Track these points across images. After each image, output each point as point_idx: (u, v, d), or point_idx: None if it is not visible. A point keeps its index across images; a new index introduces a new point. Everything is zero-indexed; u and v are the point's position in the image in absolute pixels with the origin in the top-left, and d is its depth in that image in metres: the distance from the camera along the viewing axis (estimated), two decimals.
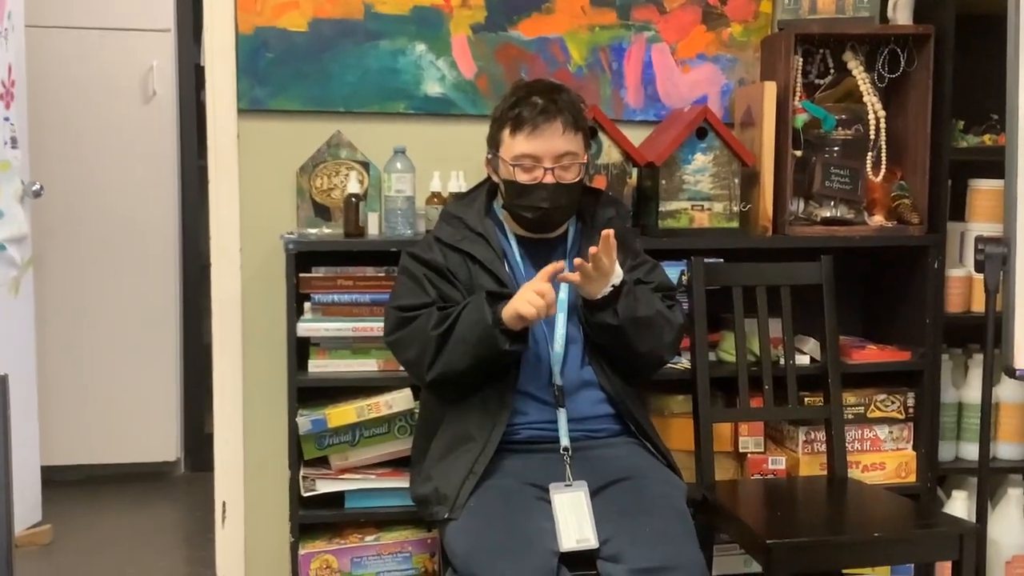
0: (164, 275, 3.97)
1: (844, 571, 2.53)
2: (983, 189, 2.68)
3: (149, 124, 3.92)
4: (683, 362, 2.48)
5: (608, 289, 2.02)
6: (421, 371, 2.06)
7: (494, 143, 2.12)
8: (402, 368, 2.36)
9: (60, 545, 3.30)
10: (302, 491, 2.35)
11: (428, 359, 2.03)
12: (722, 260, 2.49)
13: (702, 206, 2.55)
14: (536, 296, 1.93)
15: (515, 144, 2.06)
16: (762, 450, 2.61)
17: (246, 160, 2.58)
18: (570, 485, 1.98)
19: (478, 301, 2.01)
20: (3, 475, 1.07)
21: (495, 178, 2.16)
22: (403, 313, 2.09)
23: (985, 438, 2.36)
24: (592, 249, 1.95)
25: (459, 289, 2.09)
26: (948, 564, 2.18)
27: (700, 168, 2.55)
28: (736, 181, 2.56)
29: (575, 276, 1.99)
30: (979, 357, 2.68)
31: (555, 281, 1.99)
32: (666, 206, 2.53)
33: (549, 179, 2.05)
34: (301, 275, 2.39)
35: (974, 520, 2.39)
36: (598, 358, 2.12)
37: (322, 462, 2.41)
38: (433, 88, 2.64)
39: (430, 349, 2.02)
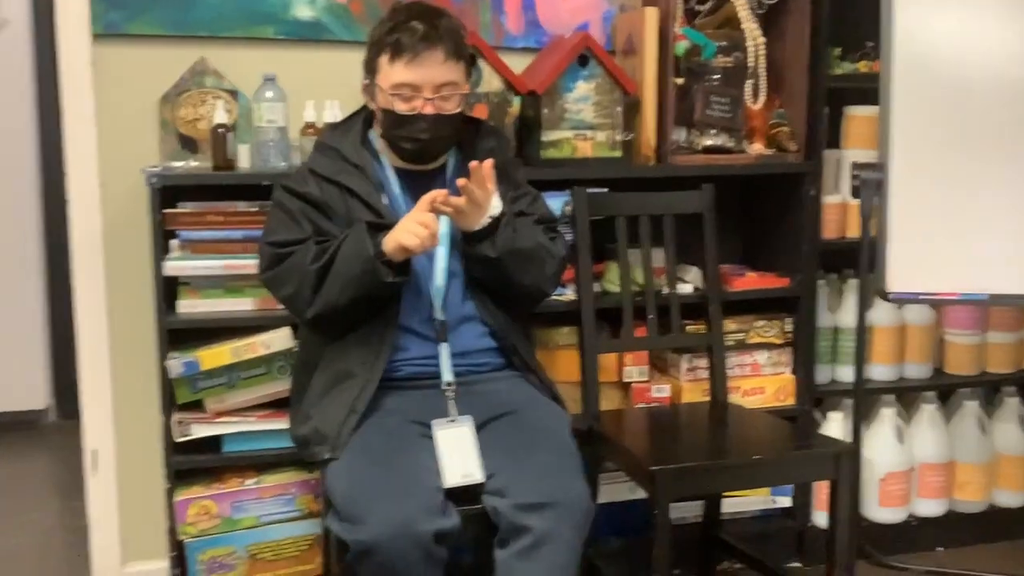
0: (25, 214, 3.77)
1: (726, 494, 2.60)
2: (859, 116, 2.72)
3: (2, 55, 3.67)
4: (568, 294, 2.46)
5: (486, 221, 1.97)
6: (300, 307, 1.99)
7: (371, 69, 2.04)
8: (280, 306, 2.29)
9: None
10: (176, 436, 2.26)
11: (307, 294, 1.96)
12: (606, 190, 2.47)
13: (585, 135, 2.51)
14: (419, 226, 1.88)
15: (393, 72, 1.98)
16: (647, 379, 2.62)
17: (103, 90, 2.42)
18: (454, 420, 1.95)
19: (358, 232, 1.94)
20: None
21: (372, 105, 2.08)
22: (278, 249, 2.01)
23: (860, 360, 2.42)
24: (460, 181, 1.90)
25: (336, 223, 2.02)
26: (826, 483, 2.24)
27: (582, 97, 2.50)
28: (619, 110, 2.53)
29: (449, 209, 1.93)
30: (854, 282, 2.75)
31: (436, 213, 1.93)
32: (548, 136, 2.48)
33: (429, 109, 1.98)
34: (166, 211, 2.26)
35: (850, 440, 2.45)
36: (480, 292, 2.08)
37: (197, 406, 2.31)
38: (304, 11, 2.51)
39: (308, 284, 1.95)
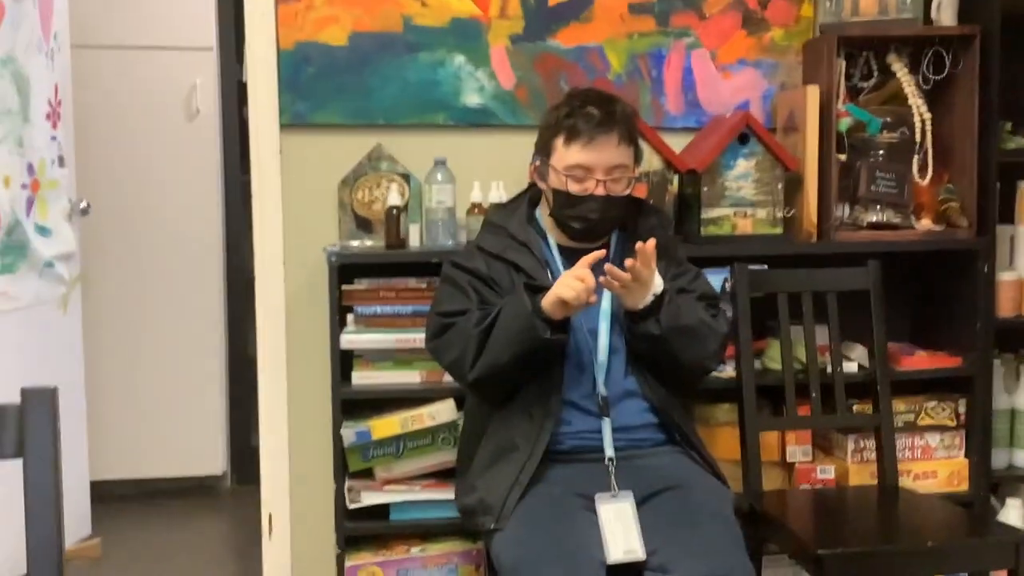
0: (209, 289, 4.01)
1: None
2: None
3: (193, 141, 3.97)
4: (728, 371, 2.46)
5: (650, 299, 2.00)
6: (463, 370, 2.04)
7: (544, 150, 2.12)
8: (446, 379, 2.39)
9: (109, 559, 3.33)
10: (348, 503, 2.36)
11: (471, 357, 2.01)
12: (766, 267, 2.47)
13: (745, 212, 2.53)
14: (575, 280, 1.93)
15: (569, 154, 2.06)
16: (810, 459, 2.57)
17: (289, 174, 2.60)
18: (616, 495, 1.96)
19: (517, 292, 2.01)
20: (53, 489, 1.08)
21: (541, 185, 2.15)
22: (445, 319, 2.09)
23: None
24: (628, 261, 1.94)
25: (502, 296, 2.09)
26: (1003, 574, 2.13)
27: (742, 174, 2.52)
28: (779, 186, 2.53)
29: (615, 284, 1.97)
30: None
31: (598, 287, 1.98)
32: (708, 213, 2.51)
33: (600, 191, 2.05)
34: (344, 287, 2.40)
35: None
36: (641, 368, 2.10)
37: (367, 474, 2.41)
38: (472, 99, 2.64)
39: (472, 347, 2.01)
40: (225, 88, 4.03)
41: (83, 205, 3.32)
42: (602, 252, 2.00)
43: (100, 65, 3.82)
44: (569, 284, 1.93)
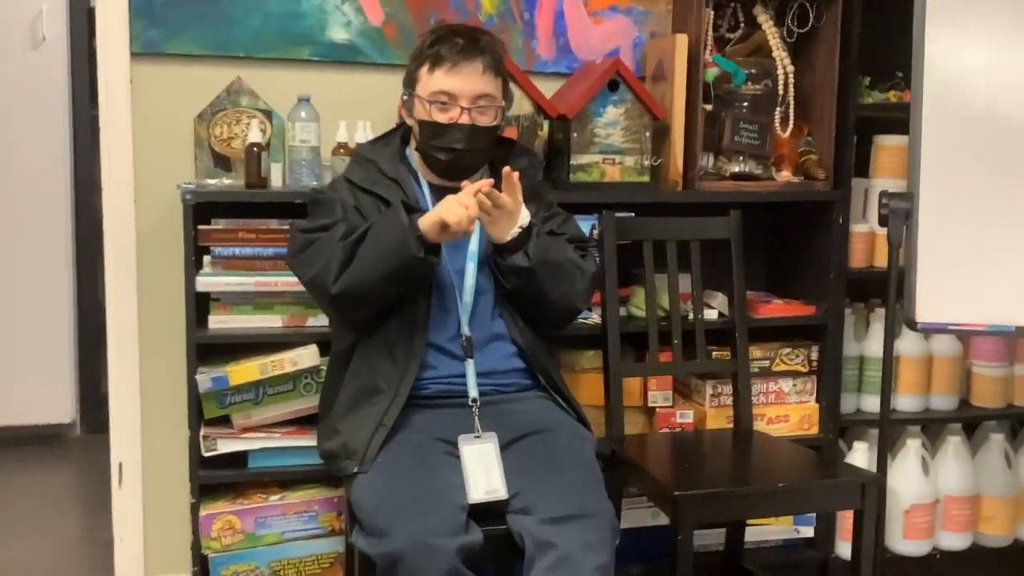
0: (56, 230, 3.81)
1: (749, 522, 2.59)
2: (888, 145, 2.72)
3: (39, 71, 3.75)
4: (594, 317, 2.47)
5: (516, 231, 1.99)
6: (326, 283, 1.96)
7: (410, 81, 2.08)
8: (308, 324, 2.33)
9: None
10: (203, 451, 2.28)
11: (335, 269, 1.94)
12: (633, 214, 2.48)
13: (613, 160, 2.53)
14: (460, 206, 1.90)
15: (433, 80, 2.02)
16: (671, 404, 2.62)
17: (140, 107, 2.46)
18: (479, 436, 1.95)
19: (393, 209, 1.96)
20: None
21: (409, 121, 2.11)
22: (309, 235, 2.02)
23: (886, 390, 2.41)
24: (506, 169, 1.93)
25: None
26: (849, 514, 2.22)
27: (612, 121, 2.52)
28: (648, 135, 2.54)
29: (488, 203, 1.94)
30: (881, 311, 2.74)
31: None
32: (577, 159, 2.50)
33: (465, 119, 2.01)
34: (200, 228, 2.29)
35: (875, 470, 2.44)
36: (510, 310, 2.09)
37: (224, 421, 2.33)
38: (339, 34, 2.55)
39: (336, 258, 1.95)
40: (74, 14, 3.79)
41: None
42: (489, 181, 1.96)
43: None
44: (453, 208, 1.90)
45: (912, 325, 2.32)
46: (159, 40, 2.45)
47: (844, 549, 2.67)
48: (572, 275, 2.07)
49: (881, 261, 2.68)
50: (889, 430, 2.54)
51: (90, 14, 3.71)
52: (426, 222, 1.92)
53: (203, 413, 2.30)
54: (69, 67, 3.80)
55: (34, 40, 3.73)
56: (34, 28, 3.71)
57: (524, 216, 2.00)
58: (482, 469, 1.90)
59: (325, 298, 2.01)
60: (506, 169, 1.94)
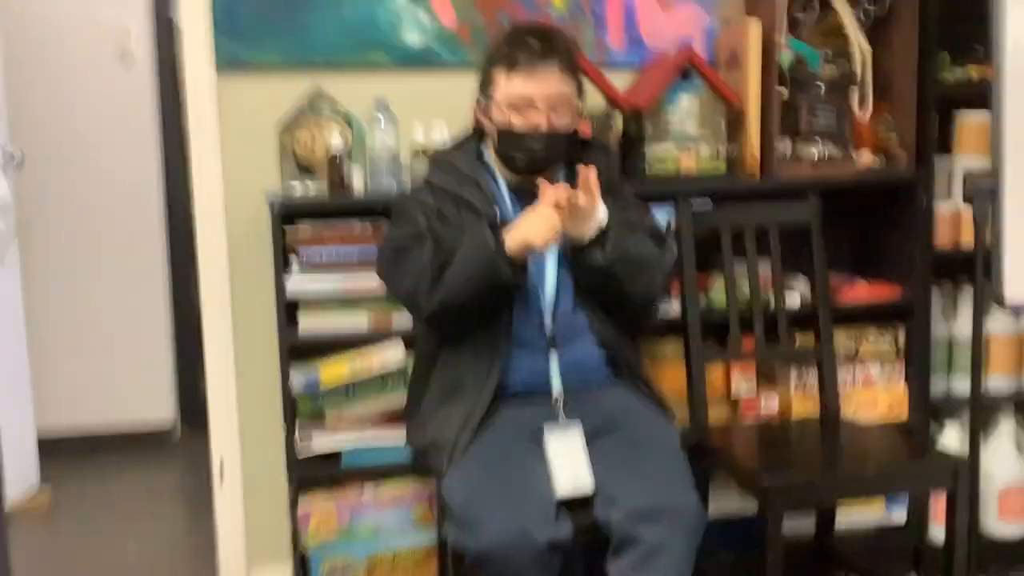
0: (150, 237, 3.96)
1: (839, 505, 2.56)
2: (970, 122, 2.66)
3: (127, 85, 3.89)
4: (674, 306, 2.48)
5: (594, 230, 2.01)
6: (418, 303, 2.03)
7: (486, 85, 2.10)
8: (394, 323, 2.39)
9: (59, 510, 3.31)
10: (298, 452, 2.36)
11: (425, 290, 2.01)
12: (710, 203, 2.48)
13: (689, 149, 2.53)
14: (546, 225, 1.93)
15: (510, 85, 2.04)
16: (754, 392, 2.61)
17: (226, 118, 2.55)
18: (564, 430, 1.98)
19: (479, 229, 1.99)
20: None
21: (485, 123, 2.14)
22: (397, 245, 2.07)
23: (977, 371, 2.37)
24: (583, 168, 1.94)
25: (451, 232, 2.07)
26: (942, 499, 2.19)
27: (686, 111, 2.52)
28: (722, 123, 2.54)
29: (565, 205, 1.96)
30: (969, 290, 2.69)
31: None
32: (653, 151, 2.51)
33: (543, 123, 2.04)
34: (287, 231, 2.37)
35: (966, 452, 2.40)
36: (590, 304, 2.11)
37: (317, 417, 2.41)
38: (413, 38, 2.60)
39: (426, 279, 2.00)
40: (159, 29, 3.92)
41: (17, 156, 3.22)
42: (564, 185, 1.98)
43: (29, 11, 3.70)
44: (539, 229, 1.93)
45: (1001, 303, 2.27)
46: (241, 52, 2.53)
47: (937, 534, 2.63)
48: (650, 268, 2.09)
49: (967, 239, 2.63)
50: (981, 411, 2.49)
51: (174, 28, 3.84)
52: (513, 243, 1.95)
53: (297, 411, 2.38)
54: (156, 80, 3.93)
55: (122, 56, 3.86)
56: (121, 44, 3.84)
57: (603, 216, 2.02)
58: (568, 462, 1.93)
59: (418, 318, 2.09)
60: (583, 170, 1.95)
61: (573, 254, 2.06)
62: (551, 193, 1.95)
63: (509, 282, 1.97)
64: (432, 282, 2.00)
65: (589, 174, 1.96)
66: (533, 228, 1.93)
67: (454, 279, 1.99)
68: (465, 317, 2.03)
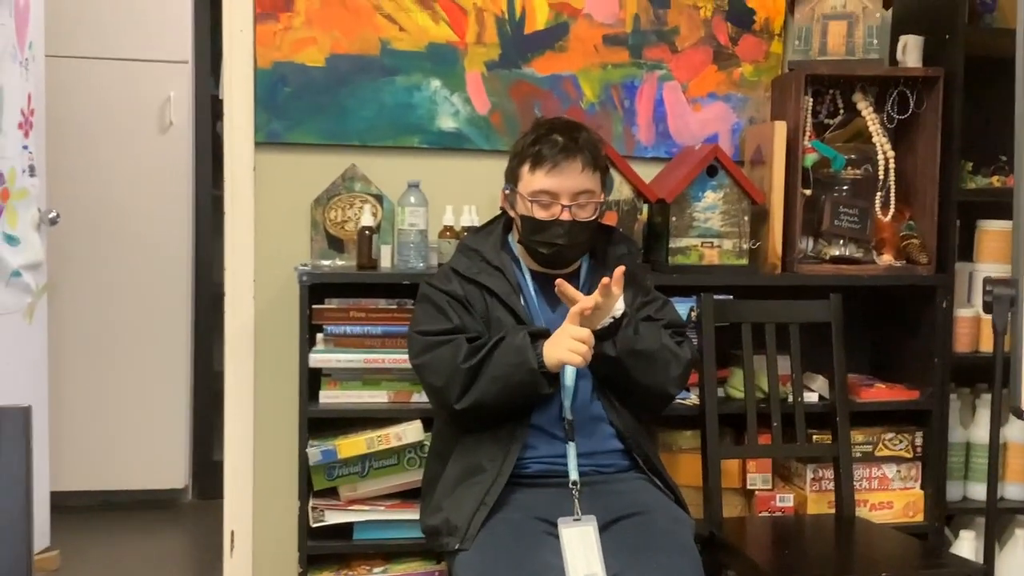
0: (176, 303, 4.00)
1: None
2: (992, 230, 2.70)
3: (165, 154, 3.97)
4: (692, 398, 2.50)
5: (608, 321, 2.04)
6: (448, 401, 2.06)
7: (512, 178, 2.15)
8: (413, 400, 2.41)
9: (68, 571, 3.30)
10: (311, 521, 2.36)
11: (456, 391, 2.04)
12: (732, 297, 2.51)
13: (712, 243, 2.58)
14: (580, 344, 1.97)
15: (534, 180, 2.09)
16: (770, 487, 2.61)
17: (262, 192, 2.62)
18: (579, 519, 1.98)
19: (519, 343, 2.01)
20: (24, 503, 1.09)
21: (511, 213, 2.19)
22: (428, 337, 2.10)
23: (993, 478, 2.36)
24: (604, 279, 1.97)
25: (476, 319, 2.11)
26: None
27: (710, 205, 2.57)
28: (746, 219, 2.58)
29: (589, 304, 1.99)
30: (987, 397, 2.69)
31: (562, 309, 2.02)
32: (676, 243, 2.56)
33: (566, 216, 2.08)
34: (314, 306, 2.41)
35: (981, 560, 2.38)
36: (607, 393, 2.13)
37: (331, 493, 2.42)
38: (447, 123, 2.68)
39: (458, 381, 2.03)
40: (199, 102, 4.03)
41: (52, 215, 3.30)
42: (589, 305, 1.99)
43: (74, 76, 3.82)
44: (573, 348, 1.96)
45: (1019, 414, 2.27)
46: (281, 131, 2.61)
47: None
48: (665, 362, 2.11)
49: (987, 346, 2.65)
50: (997, 518, 2.48)
51: (214, 101, 3.95)
52: (550, 362, 1.99)
53: (312, 485, 2.39)
54: (193, 150, 4.02)
55: (162, 125, 3.96)
56: (162, 113, 3.95)
57: (618, 308, 2.05)
58: (582, 552, 1.92)
59: (447, 411, 2.11)
60: (605, 280, 1.97)
61: None
62: (577, 309, 1.98)
63: (546, 394, 2.02)
64: (464, 385, 2.03)
65: (617, 273, 1.98)
66: (570, 353, 1.96)
67: (489, 385, 2.02)
68: (492, 416, 2.07)
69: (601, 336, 2.04)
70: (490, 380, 2.01)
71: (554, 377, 2.03)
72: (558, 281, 2.00)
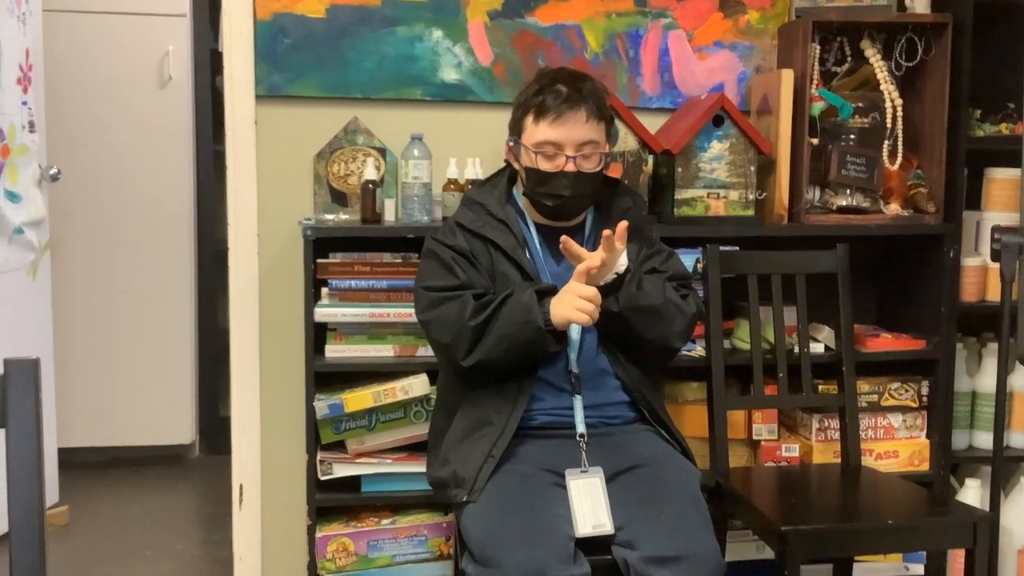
0: (179, 259, 4.00)
1: (856, 558, 2.56)
2: (999, 178, 2.68)
3: (165, 109, 3.94)
4: (698, 349, 2.50)
5: (611, 277, 2.03)
6: (456, 358, 2.06)
7: (516, 129, 2.13)
8: (419, 354, 2.41)
9: (76, 527, 3.33)
10: (319, 475, 2.38)
11: (464, 348, 2.04)
12: (737, 248, 2.50)
13: (718, 194, 2.56)
14: (586, 303, 1.96)
15: (538, 131, 2.07)
16: (776, 437, 2.62)
17: (263, 146, 2.60)
18: (586, 471, 1.99)
19: (527, 300, 2.00)
20: (35, 457, 1.09)
21: (515, 165, 2.17)
22: (434, 293, 2.10)
23: (999, 427, 2.37)
24: (606, 232, 1.96)
25: (481, 273, 2.11)
26: (961, 552, 2.19)
27: (716, 156, 2.55)
28: (752, 169, 2.56)
29: (595, 262, 1.98)
30: (993, 346, 2.69)
31: (567, 264, 2.02)
32: (682, 194, 2.54)
33: (571, 167, 2.06)
34: (318, 261, 2.41)
35: (987, 508, 2.39)
36: (612, 346, 2.13)
37: (339, 446, 2.43)
38: (450, 75, 2.65)
39: (465, 338, 2.03)
40: (198, 56, 4.00)
41: (53, 171, 3.29)
42: (595, 263, 1.98)
43: (72, 30, 3.78)
44: (579, 307, 1.95)
45: None
46: (282, 83, 2.58)
47: None
48: (669, 316, 2.10)
49: (994, 295, 2.64)
50: (1002, 467, 2.49)
51: (213, 55, 3.91)
52: (557, 320, 1.98)
53: (320, 438, 2.40)
54: (193, 105, 3.99)
55: (161, 80, 3.93)
56: (161, 68, 3.91)
57: (621, 264, 2.03)
58: (589, 503, 1.94)
59: (453, 368, 2.11)
60: (606, 232, 1.96)
61: None
62: (584, 267, 1.96)
63: (553, 351, 2.02)
64: (471, 342, 2.03)
65: (620, 228, 1.96)
66: (578, 312, 1.95)
67: (495, 343, 2.01)
68: (499, 372, 2.07)
69: (604, 292, 2.03)
70: (497, 338, 2.01)
71: (561, 335, 2.02)
72: (563, 238, 1.99)
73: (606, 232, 1.96)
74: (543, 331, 1.98)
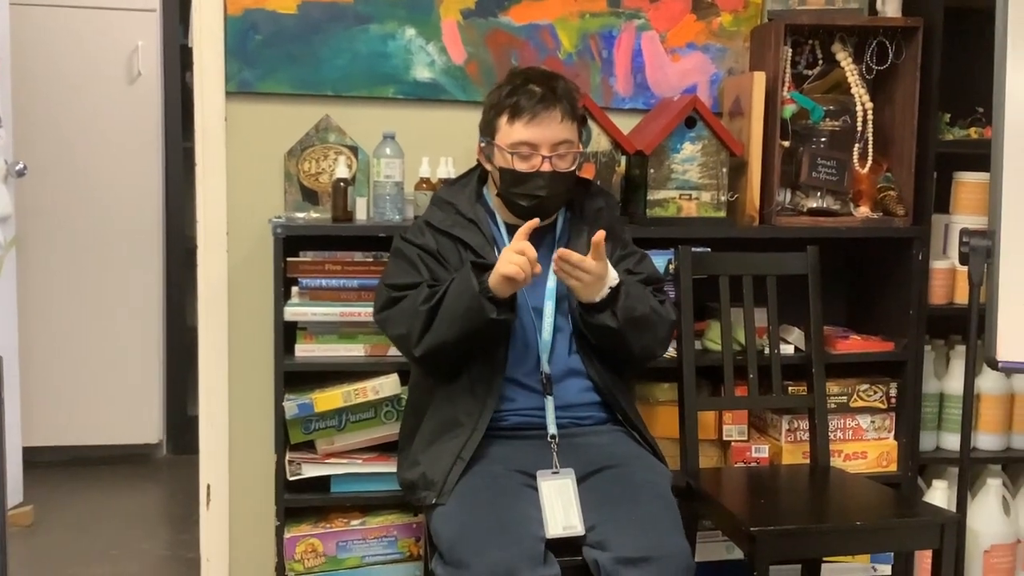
0: (148, 257, 3.96)
1: (825, 559, 2.57)
2: (968, 182, 2.70)
3: (134, 104, 3.91)
4: (669, 351, 2.49)
5: (606, 291, 2.02)
6: (409, 345, 2.05)
7: (489, 130, 2.12)
8: (390, 353, 2.40)
9: (41, 526, 3.29)
10: (288, 475, 2.35)
11: (416, 333, 2.02)
12: (709, 249, 2.50)
13: (690, 195, 2.56)
14: (516, 255, 1.93)
15: (513, 131, 2.06)
16: (746, 438, 2.63)
17: (233, 143, 2.57)
18: (557, 472, 1.99)
19: (464, 272, 2.00)
20: None
21: (487, 166, 2.16)
22: (395, 292, 2.09)
23: (966, 428, 2.38)
24: (596, 239, 1.95)
25: (450, 273, 2.09)
26: (928, 553, 2.20)
27: (688, 157, 2.55)
28: (724, 171, 2.57)
29: (571, 279, 1.98)
30: (961, 348, 2.71)
31: (544, 266, 2.01)
32: (654, 195, 2.54)
33: (546, 167, 2.06)
34: (289, 259, 2.38)
35: (954, 509, 2.41)
36: (585, 347, 2.12)
37: (308, 446, 2.40)
38: (423, 73, 2.63)
39: (418, 323, 2.02)
40: (167, 51, 3.96)
41: (19, 167, 3.24)
42: (536, 220, 1.99)
43: (40, 24, 3.74)
44: (510, 259, 1.93)
45: (993, 365, 2.29)
46: (252, 80, 2.56)
47: None
48: (654, 325, 2.10)
49: (962, 298, 2.66)
50: (969, 469, 2.51)
51: (183, 50, 3.88)
52: (494, 280, 1.96)
53: (289, 438, 2.38)
54: (162, 101, 3.96)
55: (130, 75, 3.89)
56: (130, 63, 3.87)
57: (613, 277, 2.03)
58: (560, 504, 1.93)
59: (410, 358, 2.11)
60: (597, 235, 1.95)
61: (581, 313, 2.06)
62: (524, 227, 1.96)
63: (495, 320, 1.97)
64: (423, 327, 2.01)
65: (597, 237, 1.96)
66: (506, 261, 1.94)
67: (440, 322, 2.00)
68: (454, 357, 2.05)
69: (600, 307, 2.02)
70: (442, 317, 1.99)
71: (505, 303, 1.99)
72: (561, 251, 1.97)
73: (597, 234, 1.95)
74: (478, 296, 1.95)
